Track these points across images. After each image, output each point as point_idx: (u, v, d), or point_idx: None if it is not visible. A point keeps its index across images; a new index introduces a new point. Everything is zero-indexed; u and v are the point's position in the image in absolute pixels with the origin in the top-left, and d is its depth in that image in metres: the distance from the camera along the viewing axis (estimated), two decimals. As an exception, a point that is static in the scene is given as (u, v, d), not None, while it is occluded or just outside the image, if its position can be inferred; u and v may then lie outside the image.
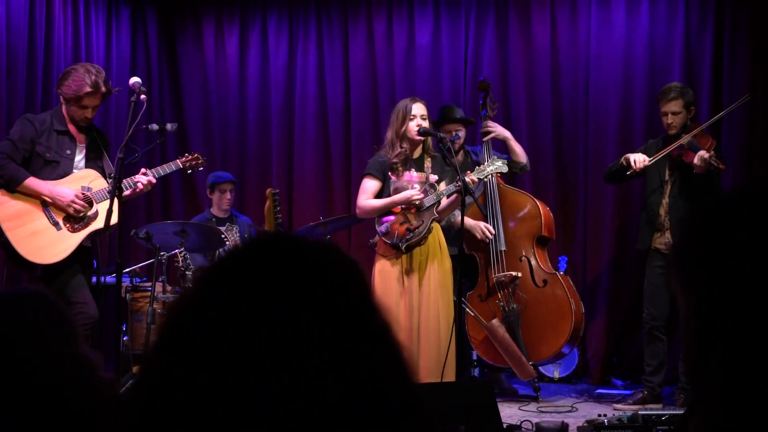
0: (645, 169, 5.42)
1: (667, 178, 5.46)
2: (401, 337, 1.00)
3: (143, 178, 4.67)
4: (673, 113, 5.38)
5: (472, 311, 5.71)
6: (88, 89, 4.54)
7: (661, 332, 5.48)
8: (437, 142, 5.18)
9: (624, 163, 5.43)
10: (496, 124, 5.87)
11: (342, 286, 0.98)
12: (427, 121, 5.03)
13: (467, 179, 4.76)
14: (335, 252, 1.01)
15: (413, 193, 4.94)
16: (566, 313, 5.67)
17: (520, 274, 5.75)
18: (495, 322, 5.65)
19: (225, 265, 1.00)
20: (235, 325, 0.92)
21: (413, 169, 5.06)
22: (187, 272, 5.62)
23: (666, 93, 5.42)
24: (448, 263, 5.00)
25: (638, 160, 5.36)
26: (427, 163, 5.08)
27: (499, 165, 4.95)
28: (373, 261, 5.14)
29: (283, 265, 0.97)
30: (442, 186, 5.05)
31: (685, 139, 5.30)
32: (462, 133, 5.84)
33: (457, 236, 5.22)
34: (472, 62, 6.91)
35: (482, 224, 5.72)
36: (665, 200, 5.45)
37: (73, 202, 4.54)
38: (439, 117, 5.80)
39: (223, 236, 5.73)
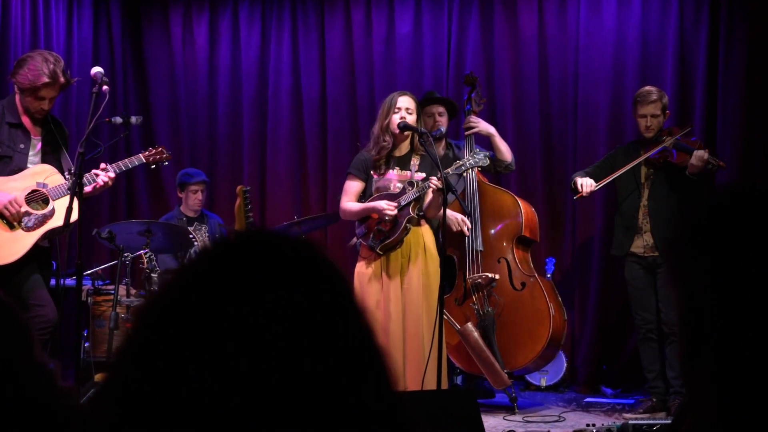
0: (614, 180, 5.52)
1: (643, 181, 5.55)
2: (381, 340, 0.99)
3: (103, 174, 4.51)
4: (653, 116, 5.50)
5: (446, 314, 5.55)
6: (46, 79, 4.36)
7: (654, 334, 5.50)
8: (418, 137, 5.02)
9: (572, 186, 5.55)
10: (480, 119, 5.79)
11: (323, 286, 0.96)
12: (414, 115, 4.92)
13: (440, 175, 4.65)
14: (316, 250, 0.99)
15: (383, 205, 4.81)
16: (544, 318, 5.57)
17: (497, 276, 5.64)
18: (468, 326, 5.55)
19: (197, 265, 0.98)
20: (208, 328, 0.91)
21: (397, 168, 4.97)
22: (152, 274, 5.54)
23: (646, 96, 5.52)
24: (433, 266, 4.88)
25: (585, 184, 5.47)
26: (414, 161, 4.98)
27: (479, 158, 4.84)
28: (352, 262, 5.11)
29: (260, 264, 0.95)
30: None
31: (668, 141, 5.40)
32: (444, 128, 5.72)
33: (439, 235, 5.11)
34: (455, 53, 6.82)
35: (459, 216, 5.59)
36: (643, 203, 5.53)
37: (10, 204, 4.33)
38: (420, 101, 5.65)
39: (191, 236, 5.67)
